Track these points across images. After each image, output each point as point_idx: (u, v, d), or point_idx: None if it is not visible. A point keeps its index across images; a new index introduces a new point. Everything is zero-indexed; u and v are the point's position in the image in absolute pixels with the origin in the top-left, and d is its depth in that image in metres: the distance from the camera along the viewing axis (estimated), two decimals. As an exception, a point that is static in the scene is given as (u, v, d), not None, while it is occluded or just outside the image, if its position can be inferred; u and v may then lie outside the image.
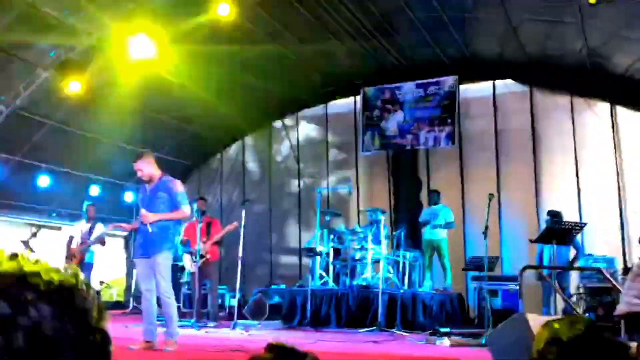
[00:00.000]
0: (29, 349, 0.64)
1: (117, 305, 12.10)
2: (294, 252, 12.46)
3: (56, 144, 10.47)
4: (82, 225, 9.27)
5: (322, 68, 11.26)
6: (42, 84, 9.28)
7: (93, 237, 9.00)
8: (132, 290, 11.57)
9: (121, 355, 4.88)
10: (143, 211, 5.36)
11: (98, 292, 11.12)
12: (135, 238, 12.32)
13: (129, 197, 12.23)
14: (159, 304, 5.56)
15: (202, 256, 8.31)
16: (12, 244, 9.73)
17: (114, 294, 13.14)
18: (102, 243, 9.16)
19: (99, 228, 9.09)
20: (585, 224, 6.47)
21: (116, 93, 10.24)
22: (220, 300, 10.22)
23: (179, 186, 5.48)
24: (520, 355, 4.58)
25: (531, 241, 6.94)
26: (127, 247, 13.23)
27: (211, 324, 8.15)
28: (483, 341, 5.95)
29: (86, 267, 9.09)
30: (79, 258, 8.96)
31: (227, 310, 10.03)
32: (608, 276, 4.37)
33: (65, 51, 8.89)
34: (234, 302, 8.98)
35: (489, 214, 7.54)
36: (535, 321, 4.73)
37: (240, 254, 7.78)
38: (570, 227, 6.08)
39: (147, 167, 5.44)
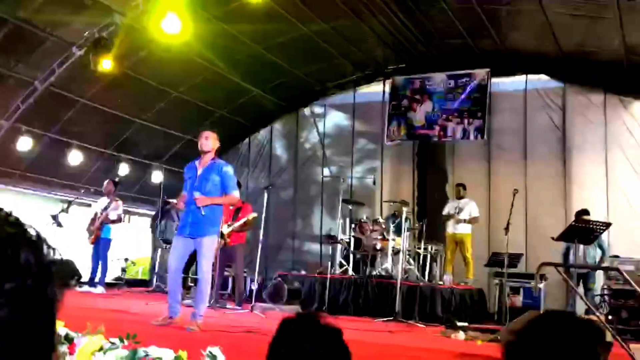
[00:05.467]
0: None
1: (141, 283, 12.32)
2: (317, 240, 12.50)
3: (88, 121, 10.67)
4: (102, 202, 9.47)
5: (351, 55, 11.21)
6: (76, 63, 9.46)
7: (111, 214, 9.19)
8: (156, 269, 11.77)
9: (143, 329, 4.98)
10: (198, 194, 5.39)
11: (123, 269, 11.34)
12: (160, 217, 12.59)
13: (156, 177, 12.40)
14: (184, 285, 5.66)
15: (223, 239, 8.38)
16: (42, 218, 9.97)
17: (139, 272, 13.37)
18: (114, 220, 9.33)
19: (116, 205, 9.30)
20: (610, 224, 6.33)
21: (147, 73, 10.41)
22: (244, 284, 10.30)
23: (232, 172, 5.57)
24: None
25: (553, 239, 6.83)
26: (154, 227, 13.44)
27: (230, 306, 8.23)
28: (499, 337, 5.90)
29: (103, 242, 9.29)
30: (96, 234, 9.17)
31: (248, 293, 10.12)
32: (627, 277, 4.27)
33: (98, 30, 9.03)
34: (254, 286, 9.08)
35: (512, 210, 7.49)
36: (550, 319, 4.68)
37: (261, 238, 7.82)
38: (593, 226, 5.96)
39: (213, 143, 5.54)
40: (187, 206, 5.50)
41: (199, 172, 5.51)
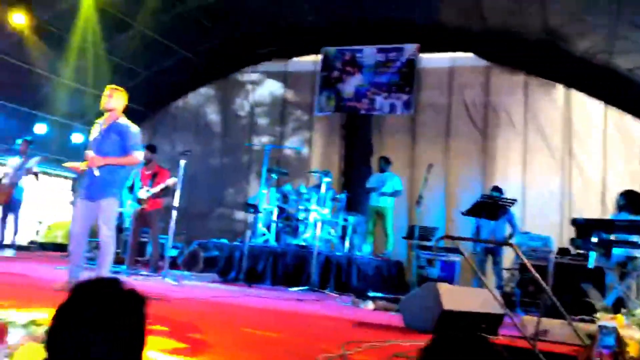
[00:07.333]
0: None
1: (59, 247, 11.93)
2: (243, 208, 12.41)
3: (1, 76, 10.08)
4: (15, 161, 9.07)
5: (286, 21, 11.03)
6: (-13, 13, 8.89)
7: (23, 171, 8.83)
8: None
9: (41, 293, 4.81)
10: (90, 153, 5.21)
11: (37, 232, 10.96)
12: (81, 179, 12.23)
13: (77, 138, 11.92)
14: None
15: (140, 204, 8.21)
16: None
17: (59, 236, 12.92)
18: (35, 175, 8.99)
19: (31, 163, 8.93)
20: (515, 200, 6.54)
21: (68, 28, 9.91)
22: (161, 250, 10.14)
23: (134, 131, 5.31)
24: (428, 322, 4.67)
25: (462, 213, 7.01)
26: (74, 189, 13.00)
27: (144, 272, 8.08)
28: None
29: (14, 204, 8.94)
30: (8, 194, 8.78)
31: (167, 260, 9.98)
32: (519, 253, 4.43)
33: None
34: (174, 252, 8.95)
35: (429, 184, 7.64)
36: (446, 291, 4.82)
37: (177, 204, 7.62)
38: (500, 202, 6.14)
39: (117, 102, 5.30)
40: (88, 168, 5.30)
41: (101, 131, 5.30)
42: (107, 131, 5.28)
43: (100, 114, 5.54)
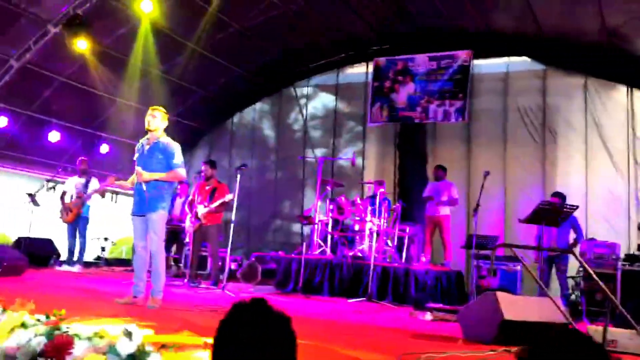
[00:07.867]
0: None
1: (122, 262, 12.34)
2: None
3: (66, 100, 10.59)
4: (76, 180, 9.44)
5: (333, 35, 11.12)
6: (53, 40, 9.36)
7: (90, 190, 9.19)
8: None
9: (106, 307, 5.00)
10: (139, 169, 5.44)
11: (103, 248, 11.38)
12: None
13: (139, 157, 12.35)
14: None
15: (198, 219, 8.39)
16: (20, 196, 9.94)
17: (124, 251, 13.37)
18: (102, 195, 9.36)
19: (95, 182, 9.30)
20: (577, 206, 6.31)
21: (127, 51, 10.31)
22: (220, 263, 10.32)
23: (176, 149, 5.52)
24: (487, 332, 4.57)
25: (520, 221, 6.83)
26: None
27: (204, 285, 8.25)
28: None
29: (82, 220, 9.32)
30: (75, 212, 9.16)
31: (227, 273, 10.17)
32: (580, 258, 4.28)
33: (74, 7, 8.93)
34: (233, 266, 9.11)
35: (487, 192, 7.49)
36: (506, 300, 4.71)
37: (233, 218, 7.78)
38: (560, 208, 5.95)
39: (160, 122, 5.53)
40: (136, 185, 5.51)
41: (146, 151, 5.52)
42: (150, 150, 5.51)
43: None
